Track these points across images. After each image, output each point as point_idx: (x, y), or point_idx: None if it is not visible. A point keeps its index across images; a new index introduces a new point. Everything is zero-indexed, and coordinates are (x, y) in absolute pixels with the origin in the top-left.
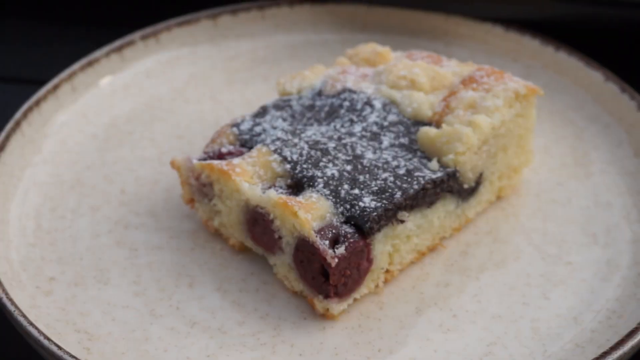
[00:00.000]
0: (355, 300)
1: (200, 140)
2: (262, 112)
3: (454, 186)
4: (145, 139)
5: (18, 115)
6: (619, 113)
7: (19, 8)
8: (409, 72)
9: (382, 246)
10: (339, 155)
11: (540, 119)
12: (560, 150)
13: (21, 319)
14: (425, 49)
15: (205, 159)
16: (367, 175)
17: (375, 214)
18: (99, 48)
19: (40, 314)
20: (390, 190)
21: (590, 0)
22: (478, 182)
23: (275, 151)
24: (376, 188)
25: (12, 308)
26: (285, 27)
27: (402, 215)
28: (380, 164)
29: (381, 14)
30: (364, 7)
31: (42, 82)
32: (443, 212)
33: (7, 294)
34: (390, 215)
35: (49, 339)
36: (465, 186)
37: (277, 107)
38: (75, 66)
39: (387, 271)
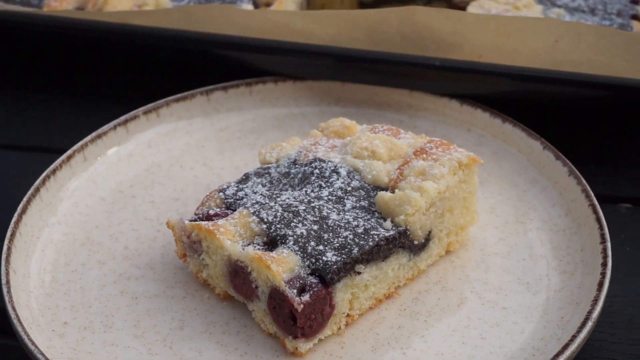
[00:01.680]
0: (320, 340)
1: (193, 202)
2: (245, 178)
3: (405, 242)
4: (146, 202)
5: (37, 182)
6: (554, 177)
7: (35, 82)
8: (370, 144)
9: (342, 294)
10: (308, 216)
11: (489, 182)
12: (504, 209)
13: (40, 356)
14: (392, 120)
15: (195, 220)
16: (331, 234)
17: (335, 267)
18: (107, 119)
19: (56, 353)
20: (349, 247)
21: (532, 79)
22: (427, 238)
23: (254, 213)
24: (338, 245)
25: (32, 347)
26: (270, 101)
27: (359, 267)
28: (342, 224)
29: (353, 89)
30: (338, 84)
31: (57, 151)
32: (397, 265)
33: (28, 336)
34: (348, 268)
35: None
36: (416, 242)
37: (258, 174)
38: (87, 138)
39: (348, 315)
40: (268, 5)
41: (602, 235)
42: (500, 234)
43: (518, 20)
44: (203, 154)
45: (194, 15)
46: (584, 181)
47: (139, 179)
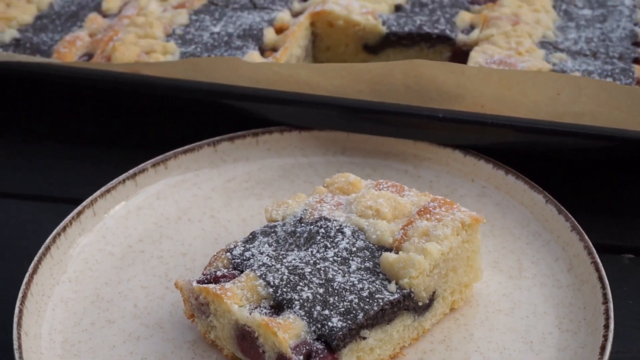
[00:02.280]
0: None
1: (201, 257)
2: (252, 238)
3: (410, 304)
4: (154, 258)
5: (48, 241)
6: (557, 232)
7: (42, 130)
8: (375, 203)
9: (348, 358)
10: (314, 279)
11: (493, 234)
12: (507, 263)
13: None
14: (397, 170)
15: (203, 282)
16: (337, 297)
17: (341, 333)
18: (115, 168)
19: None
20: (354, 312)
21: (534, 130)
22: (432, 299)
23: (260, 276)
24: (343, 309)
25: None
26: (276, 151)
27: (365, 333)
28: (348, 287)
29: (359, 139)
30: (344, 134)
31: (65, 200)
32: (401, 327)
33: None
34: (354, 333)
35: None
36: (420, 303)
37: (264, 233)
38: (96, 194)
39: None
40: (274, 50)
41: (605, 295)
42: (504, 290)
43: (519, 73)
44: (210, 205)
45: (200, 66)
46: (586, 237)
47: (147, 232)
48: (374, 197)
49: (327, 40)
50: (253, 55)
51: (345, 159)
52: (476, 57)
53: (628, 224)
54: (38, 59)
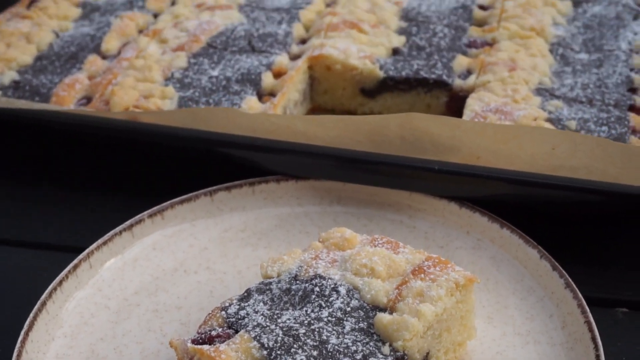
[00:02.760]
0: None
1: (196, 310)
2: (247, 295)
3: None
4: (150, 311)
5: (44, 296)
6: (551, 288)
7: (38, 176)
8: (370, 261)
9: None
10: (308, 340)
11: (487, 289)
12: (501, 319)
13: None
14: (392, 220)
15: (198, 341)
16: None
17: None
18: (111, 214)
19: None
20: None
21: (529, 183)
22: (425, 359)
23: (255, 338)
24: None
25: None
26: (272, 200)
27: None
28: (341, 349)
29: (354, 189)
30: (339, 184)
31: (60, 248)
32: None
33: None
34: None
35: None
36: None
37: (260, 290)
38: (93, 246)
39: None
40: (272, 94)
41: (597, 357)
42: (497, 347)
43: (515, 128)
44: (206, 256)
45: (198, 116)
46: (580, 295)
47: (143, 285)
48: (369, 255)
49: (325, 84)
50: (251, 101)
51: (341, 208)
52: (473, 104)
53: (622, 277)
54: (36, 105)
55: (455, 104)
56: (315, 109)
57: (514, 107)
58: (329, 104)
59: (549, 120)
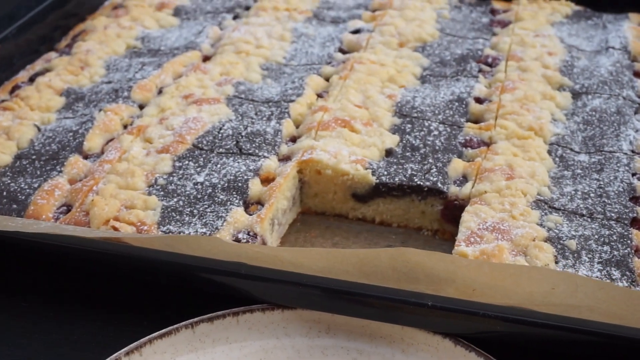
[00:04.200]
0: None
1: None
2: None
3: None
4: None
5: None
6: None
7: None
8: None
9: None
10: None
11: None
12: None
13: None
14: (384, 354)
15: None
16: None
17: None
18: (86, 343)
19: None
20: None
21: (526, 322)
22: None
23: None
24: None
25: None
26: (258, 330)
27: None
28: None
29: (344, 319)
30: (328, 315)
31: None
32: None
33: None
34: None
35: None
36: None
37: None
38: None
39: None
40: (260, 203)
41: None
42: None
43: (512, 267)
44: None
45: (180, 243)
46: None
47: None
48: None
49: (315, 187)
50: (237, 213)
51: (330, 340)
52: (469, 220)
53: None
54: (9, 224)
55: (450, 212)
56: (305, 212)
57: (511, 224)
58: (319, 207)
59: (548, 239)
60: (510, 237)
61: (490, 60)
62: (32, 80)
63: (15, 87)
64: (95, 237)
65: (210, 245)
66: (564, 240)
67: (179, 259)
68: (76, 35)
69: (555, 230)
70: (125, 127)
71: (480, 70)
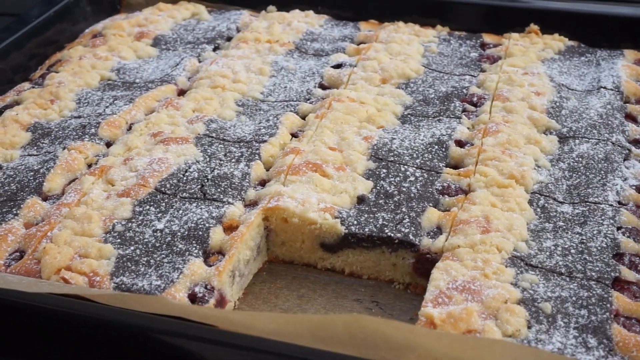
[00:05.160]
0: None
1: None
2: None
3: None
4: None
5: None
6: None
7: None
8: None
9: None
10: None
11: None
12: None
13: None
14: None
15: None
16: None
17: None
18: None
19: None
20: None
21: None
22: None
23: None
24: None
25: None
26: None
27: None
28: None
29: None
30: None
31: None
32: None
33: None
34: None
35: None
36: None
37: None
38: None
39: None
40: (221, 252)
41: None
42: None
43: (474, 340)
44: None
45: (128, 303)
46: None
47: None
48: None
49: (282, 236)
50: (194, 264)
51: None
52: (438, 278)
53: None
54: None
55: (422, 265)
56: (272, 261)
57: (483, 283)
58: (286, 256)
59: (522, 301)
60: (481, 298)
61: (475, 99)
62: (0, 112)
63: None
64: (38, 291)
65: (159, 304)
66: (538, 303)
67: (124, 318)
68: (52, 64)
69: (530, 291)
70: (89, 166)
71: (464, 110)
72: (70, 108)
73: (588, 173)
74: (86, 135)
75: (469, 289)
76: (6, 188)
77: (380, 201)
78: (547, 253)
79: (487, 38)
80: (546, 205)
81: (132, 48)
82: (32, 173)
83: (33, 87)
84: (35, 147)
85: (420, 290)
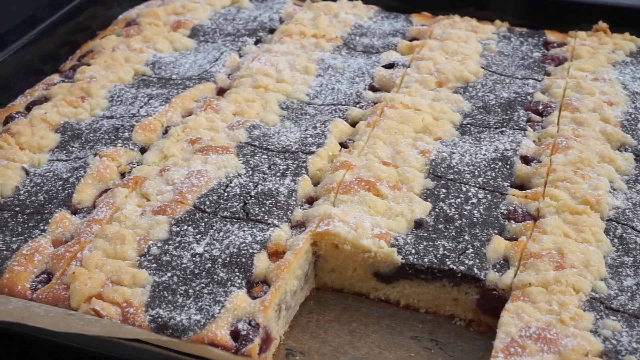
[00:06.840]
0: None
1: None
2: None
3: None
4: None
5: None
6: None
7: None
8: None
9: None
10: None
11: None
12: None
13: None
14: None
15: None
16: None
17: None
18: None
19: None
20: None
21: None
22: None
23: None
24: None
25: None
26: None
27: None
28: None
29: None
30: None
31: None
32: None
33: None
34: None
35: None
36: None
37: None
38: None
39: None
40: (266, 282)
41: None
42: None
43: None
44: None
45: (171, 345)
46: None
47: None
48: None
49: (332, 262)
50: (237, 298)
51: None
52: (509, 324)
53: None
54: None
55: (488, 302)
56: (320, 288)
57: (560, 331)
58: (336, 284)
59: (604, 354)
60: (558, 349)
61: (541, 107)
62: (28, 109)
63: (9, 118)
64: (64, 330)
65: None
66: (622, 355)
67: None
68: (83, 55)
69: (613, 341)
70: (122, 175)
71: (529, 120)
72: (102, 107)
73: None
74: (119, 140)
75: (544, 338)
76: (33, 198)
77: (440, 226)
78: (629, 294)
79: (551, 36)
80: (624, 235)
81: (168, 39)
82: (60, 182)
83: (63, 81)
84: (64, 151)
85: (484, 329)
